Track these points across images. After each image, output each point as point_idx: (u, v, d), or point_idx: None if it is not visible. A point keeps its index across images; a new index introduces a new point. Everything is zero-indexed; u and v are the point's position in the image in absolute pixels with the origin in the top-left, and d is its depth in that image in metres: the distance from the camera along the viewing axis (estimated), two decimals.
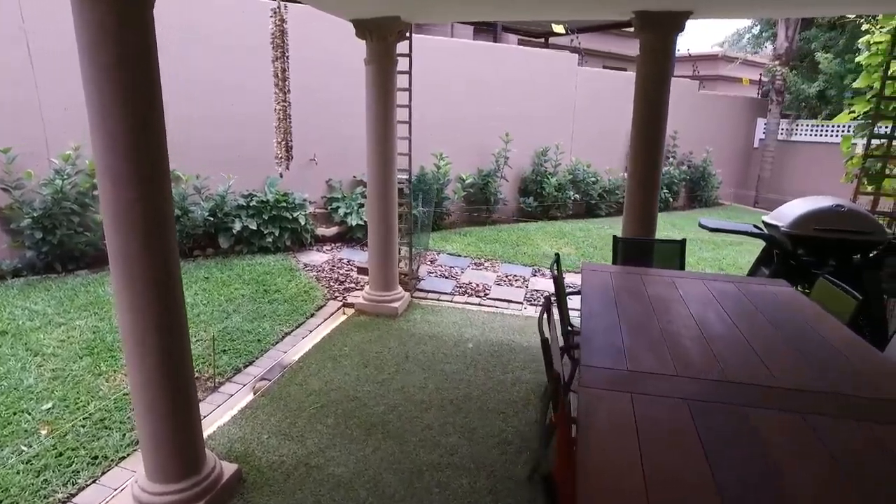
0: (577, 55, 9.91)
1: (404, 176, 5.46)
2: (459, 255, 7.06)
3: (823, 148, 12.58)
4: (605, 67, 13.72)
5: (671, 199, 11.47)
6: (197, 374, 3.73)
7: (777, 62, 12.68)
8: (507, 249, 7.40)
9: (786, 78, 12.60)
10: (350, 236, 7.17)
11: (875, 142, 4.92)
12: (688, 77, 13.88)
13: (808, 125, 12.98)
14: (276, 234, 6.44)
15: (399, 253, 5.40)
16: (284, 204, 6.54)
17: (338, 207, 7.20)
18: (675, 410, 1.88)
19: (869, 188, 4.94)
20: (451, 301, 5.63)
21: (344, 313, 5.20)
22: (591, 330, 2.51)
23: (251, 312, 4.88)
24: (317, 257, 6.62)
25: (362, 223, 6.95)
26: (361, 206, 7.20)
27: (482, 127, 8.95)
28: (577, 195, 9.73)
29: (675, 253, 3.93)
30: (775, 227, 4.11)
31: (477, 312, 5.31)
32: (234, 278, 5.63)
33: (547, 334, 2.25)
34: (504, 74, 9.07)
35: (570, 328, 3.27)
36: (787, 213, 4.07)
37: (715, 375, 2.12)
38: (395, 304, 5.12)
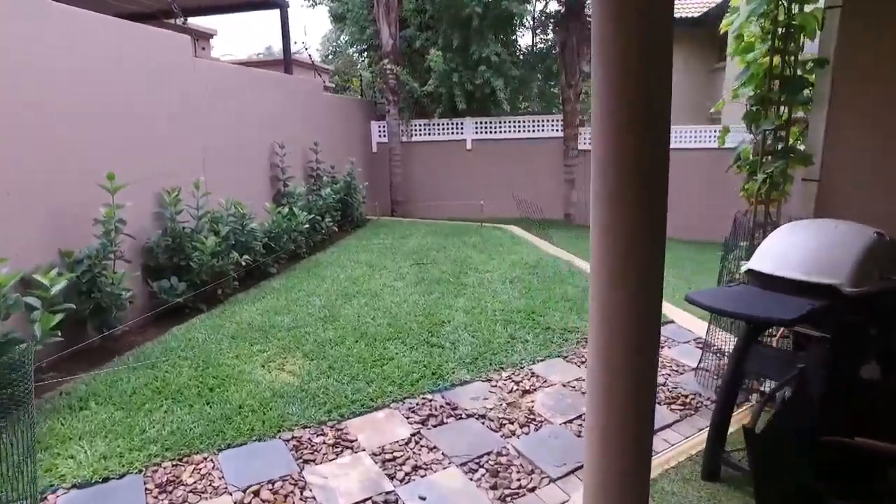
0: (188, 37, 6.27)
1: None
2: (109, 477, 3.05)
3: (448, 146, 12.55)
4: None
5: (336, 229, 9.18)
6: None
7: (386, 60, 11.73)
8: (195, 411, 3.70)
9: (399, 76, 11.80)
10: None
11: (751, 138, 3.76)
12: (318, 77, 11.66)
13: (421, 124, 12.67)
14: None
15: None
16: None
17: None
18: None
19: (748, 195, 3.77)
20: None
21: None
22: None
23: None
24: None
25: None
26: None
27: (54, 167, 4.57)
28: (244, 255, 6.31)
29: None
30: (818, 286, 2.33)
31: None
32: None
33: None
34: (73, 62, 4.80)
35: None
36: (826, 259, 2.33)
37: None
38: None
